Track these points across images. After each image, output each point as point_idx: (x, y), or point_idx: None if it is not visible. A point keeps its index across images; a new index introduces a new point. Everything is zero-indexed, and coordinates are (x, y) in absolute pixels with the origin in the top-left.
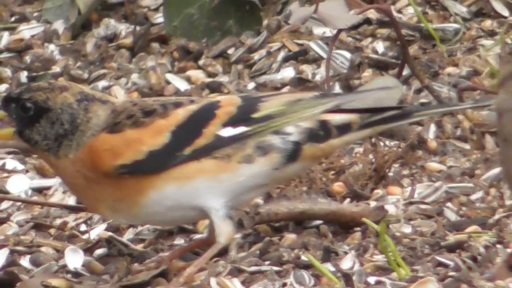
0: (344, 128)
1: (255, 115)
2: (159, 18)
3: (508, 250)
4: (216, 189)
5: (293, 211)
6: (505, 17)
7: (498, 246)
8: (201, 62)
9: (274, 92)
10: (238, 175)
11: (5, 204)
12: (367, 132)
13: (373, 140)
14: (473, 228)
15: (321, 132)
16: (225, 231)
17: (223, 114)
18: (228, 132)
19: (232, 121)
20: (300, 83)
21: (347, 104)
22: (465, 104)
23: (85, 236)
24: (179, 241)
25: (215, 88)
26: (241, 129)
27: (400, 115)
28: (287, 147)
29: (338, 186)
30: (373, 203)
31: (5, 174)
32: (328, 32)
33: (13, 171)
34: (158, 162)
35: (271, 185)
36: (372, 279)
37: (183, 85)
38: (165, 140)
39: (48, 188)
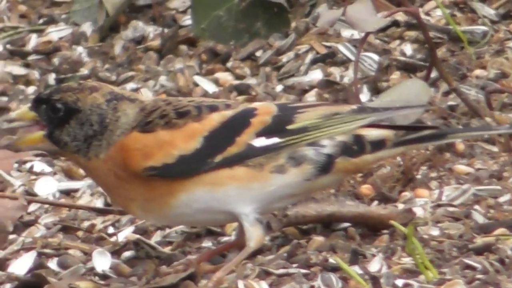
0: (378, 145)
1: (290, 127)
2: (187, 20)
3: None
4: (247, 197)
5: (321, 214)
6: None
7: None
8: (229, 64)
9: (310, 103)
10: (269, 185)
11: (33, 207)
12: (400, 150)
13: None
14: (500, 230)
15: (355, 146)
16: (255, 235)
17: (258, 123)
18: (261, 142)
19: (266, 131)
20: (328, 85)
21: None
22: (501, 128)
23: (112, 239)
24: (207, 243)
25: (243, 90)
26: (275, 140)
27: (435, 135)
28: (320, 159)
29: (366, 189)
30: (401, 206)
31: (33, 177)
32: (356, 34)
33: (41, 174)
34: (188, 168)
35: (302, 195)
36: (399, 282)
37: (211, 87)
38: (197, 146)
39: (76, 190)
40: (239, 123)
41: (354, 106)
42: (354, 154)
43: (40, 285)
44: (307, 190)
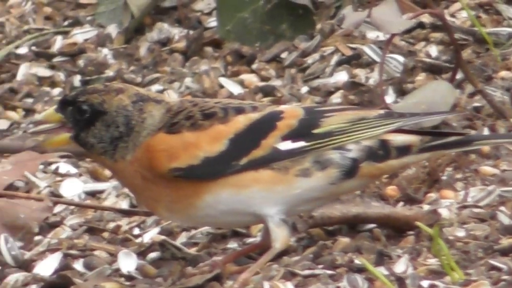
0: (404, 150)
1: (316, 131)
2: (212, 22)
3: None
4: (272, 199)
5: (347, 215)
6: None
7: None
8: (254, 66)
9: (338, 107)
10: (294, 188)
11: (59, 208)
12: (426, 156)
13: None
14: None
15: (381, 151)
16: (280, 236)
17: (284, 126)
18: (286, 145)
19: (292, 135)
20: (353, 87)
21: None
22: None
23: (138, 240)
24: (233, 244)
25: (269, 92)
26: (300, 144)
27: (460, 142)
28: (345, 163)
29: (391, 190)
30: (426, 207)
31: (59, 178)
32: (382, 36)
33: (66, 175)
34: (213, 170)
35: (327, 199)
36: (425, 283)
37: (236, 89)
38: (222, 148)
39: (102, 191)
40: (265, 126)
41: (381, 111)
42: (379, 159)
43: (66, 286)
44: (332, 194)
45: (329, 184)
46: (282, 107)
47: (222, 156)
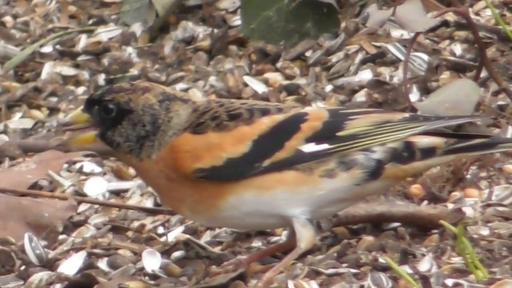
0: (429, 152)
1: (340, 133)
2: (237, 20)
3: None
4: (296, 200)
5: (371, 213)
6: None
7: None
8: (278, 64)
9: (362, 110)
10: (319, 189)
11: (83, 207)
12: (450, 158)
13: None
14: None
15: (405, 153)
16: (306, 236)
17: (308, 128)
18: (310, 148)
19: (316, 137)
20: (378, 85)
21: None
22: None
23: (162, 239)
24: (257, 243)
25: (293, 90)
26: (324, 146)
27: (485, 145)
28: (370, 165)
29: (415, 188)
30: (450, 206)
31: (83, 177)
32: (406, 34)
33: (90, 174)
34: (236, 171)
35: (351, 200)
36: (449, 281)
37: (260, 88)
38: (246, 150)
39: (126, 190)
40: (289, 127)
41: (406, 115)
42: (404, 161)
43: (90, 285)
44: (356, 195)
45: (353, 185)
46: (307, 109)
47: (245, 157)
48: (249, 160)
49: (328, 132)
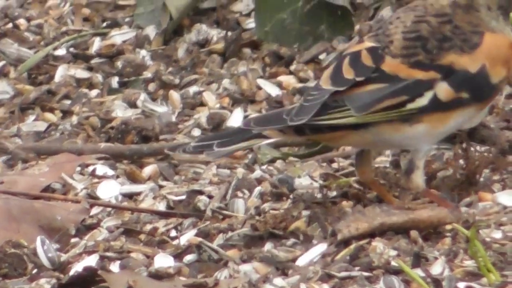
0: None
1: None
2: (250, 23)
3: None
4: None
5: (373, 224)
6: None
7: None
8: (292, 67)
9: None
10: None
11: (96, 210)
12: None
13: (464, 145)
14: None
15: None
16: None
17: None
18: None
19: None
20: None
21: None
22: None
23: (175, 242)
24: (269, 246)
25: None
26: None
27: None
28: None
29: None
30: (463, 209)
31: (96, 180)
32: None
33: (103, 177)
34: None
35: None
36: (462, 285)
37: (274, 91)
38: None
39: (139, 193)
40: None
41: None
42: None
43: (92, 279)
44: None
45: None
46: None
47: None
48: None
49: None
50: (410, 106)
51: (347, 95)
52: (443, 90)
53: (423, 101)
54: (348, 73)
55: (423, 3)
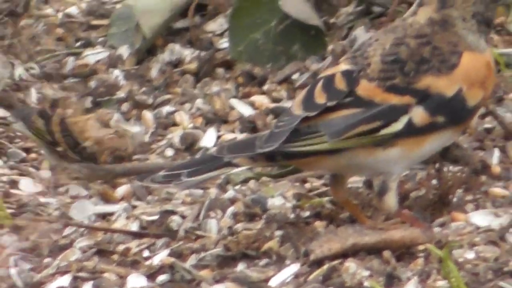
0: None
1: None
2: (224, 43)
3: None
4: None
5: (345, 245)
6: None
7: None
8: (265, 87)
9: None
10: None
11: (69, 230)
12: None
13: (437, 165)
14: None
15: None
16: None
17: None
18: None
19: None
20: None
21: None
22: None
23: (148, 262)
24: (242, 266)
25: (280, 113)
26: None
27: None
28: None
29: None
30: (436, 229)
31: (69, 200)
32: None
33: (76, 197)
34: None
35: None
36: None
37: (247, 111)
38: None
39: (111, 214)
40: None
41: None
42: None
43: None
44: None
45: None
46: None
47: None
48: None
49: None
50: (385, 131)
51: (321, 120)
52: (419, 114)
53: (398, 126)
54: (320, 98)
55: (403, 23)
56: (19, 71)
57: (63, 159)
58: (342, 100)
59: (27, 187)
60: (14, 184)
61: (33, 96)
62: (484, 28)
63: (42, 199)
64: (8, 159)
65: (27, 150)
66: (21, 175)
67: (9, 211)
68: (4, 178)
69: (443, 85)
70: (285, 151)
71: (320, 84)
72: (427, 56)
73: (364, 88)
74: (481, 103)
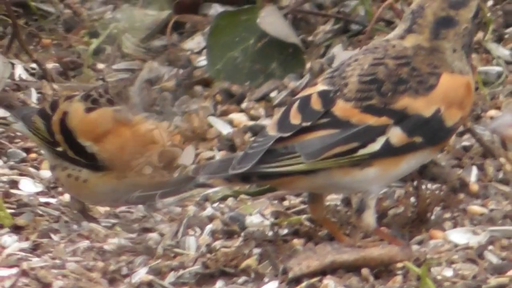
0: None
1: None
2: (202, 61)
3: None
4: None
5: (324, 262)
6: None
7: None
8: (243, 105)
9: None
10: None
11: None
12: None
13: (415, 183)
14: None
15: None
16: None
17: None
18: None
19: None
20: None
21: None
22: None
23: (126, 280)
24: (220, 284)
25: (258, 131)
26: None
27: None
28: None
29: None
30: (415, 247)
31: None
32: None
33: None
34: None
35: None
36: None
37: (225, 128)
38: None
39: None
40: None
41: None
42: None
43: None
44: None
45: None
46: None
47: None
48: None
49: None
50: (362, 152)
51: (297, 141)
52: (396, 135)
53: (375, 146)
54: (295, 118)
55: (385, 44)
56: (19, 71)
57: (63, 159)
58: (319, 121)
59: (27, 187)
60: (14, 184)
61: (33, 96)
62: (469, 52)
63: (42, 199)
64: (8, 159)
65: (27, 150)
66: (21, 175)
67: (9, 211)
68: (4, 178)
69: (420, 106)
70: (261, 172)
71: (296, 105)
72: (405, 77)
73: (341, 108)
74: (460, 123)
